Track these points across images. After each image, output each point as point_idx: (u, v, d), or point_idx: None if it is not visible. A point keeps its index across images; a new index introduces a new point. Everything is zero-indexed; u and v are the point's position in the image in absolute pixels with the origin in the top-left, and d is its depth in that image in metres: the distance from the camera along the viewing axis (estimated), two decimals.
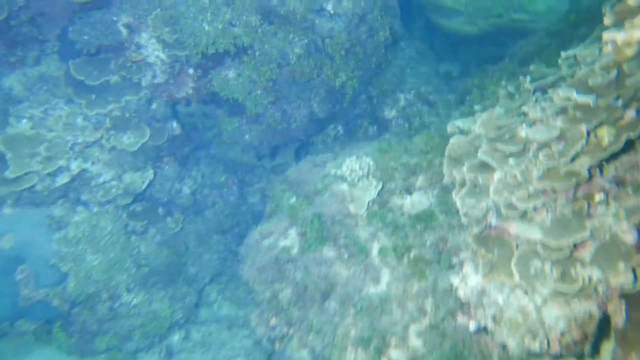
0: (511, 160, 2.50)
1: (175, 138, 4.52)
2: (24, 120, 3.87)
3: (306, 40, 4.27)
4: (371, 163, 3.42)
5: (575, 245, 2.00)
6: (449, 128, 3.28)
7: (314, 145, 5.20)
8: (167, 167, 4.46)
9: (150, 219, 4.31)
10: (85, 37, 3.90)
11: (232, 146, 4.87)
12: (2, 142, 3.57)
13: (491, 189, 2.43)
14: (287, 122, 4.68)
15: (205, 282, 4.75)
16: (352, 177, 3.40)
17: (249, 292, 4.86)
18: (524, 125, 2.59)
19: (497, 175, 2.49)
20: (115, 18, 4.04)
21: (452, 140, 2.97)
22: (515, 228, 2.31)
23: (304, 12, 4.20)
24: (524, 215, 2.29)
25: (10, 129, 3.79)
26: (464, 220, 2.57)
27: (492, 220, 2.40)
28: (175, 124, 4.49)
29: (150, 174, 4.20)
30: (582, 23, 4.16)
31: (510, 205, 2.31)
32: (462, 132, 3.17)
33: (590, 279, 1.90)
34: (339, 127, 5.17)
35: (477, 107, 3.70)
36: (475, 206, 2.52)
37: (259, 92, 4.42)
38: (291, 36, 4.23)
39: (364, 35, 4.55)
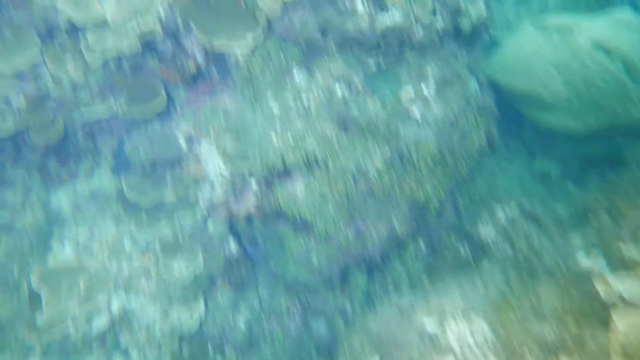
0: None
1: (232, 260, 3.89)
2: (68, 245, 3.40)
3: (388, 152, 3.62)
4: (486, 330, 2.55)
5: None
6: (602, 291, 2.40)
7: (390, 262, 4.40)
8: (220, 295, 3.79)
9: None
10: (142, 153, 3.48)
11: (295, 266, 4.16)
12: (39, 278, 3.07)
13: None
14: (362, 242, 3.94)
15: None
16: (461, 348, 2.53)
17: None
18: None
19: None
20: (175, 129, 3.62)
21: (622, 326, 2.09)
22: None
23: (388, 120, 3.59)
24: None
25: (51, 257, 3.32)
26: None
27: None
28: (232, 244, 3.88)
29: (201, 307, 3.55)
30: None
31: None
32: (627, 302, 2.27)
33: None
34: (421, 244, 4.36)
35: (631, 252, 2.79)
36: None
37: (330, 209, 3.76)
38: (371, 147, 3.60)
39: (456, 142, 3.85)
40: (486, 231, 4.09)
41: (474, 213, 4.30)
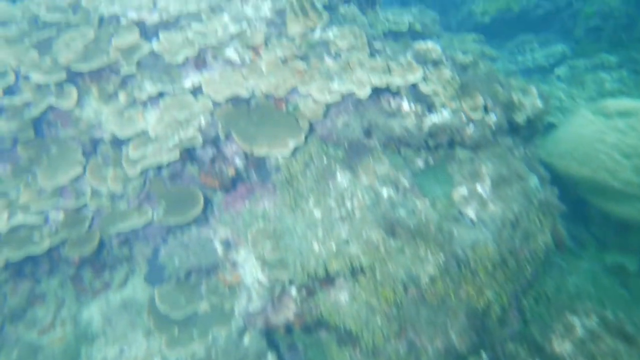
0: None
1: None
2: None
3: (442, 256, 3.26)
4: None
5: None
6: None
7: None
8: None
9: None
10: (176, 261, 3.30)
11: None
12: None
13: None
14: (415, 357, 3.47)
15: None
16: None
17: None
18: None
19: None
20: (212, 234, 3.45)
21: None
22: None
23: (439, 222, 3.27)
24: None
25: None
26: None
27: None
28: (270, 359, 3.50)
29: None
30: None
31: None
32: None
33: None
34: (484, 355, 3.80)
35: None
36: None
37: (378, 320, 3.36)
38: (422, 252, 3.26)
39: (518, 243, 3.44)
40: (561, 345, 3.51)
41: (544, 320, 3.74)
